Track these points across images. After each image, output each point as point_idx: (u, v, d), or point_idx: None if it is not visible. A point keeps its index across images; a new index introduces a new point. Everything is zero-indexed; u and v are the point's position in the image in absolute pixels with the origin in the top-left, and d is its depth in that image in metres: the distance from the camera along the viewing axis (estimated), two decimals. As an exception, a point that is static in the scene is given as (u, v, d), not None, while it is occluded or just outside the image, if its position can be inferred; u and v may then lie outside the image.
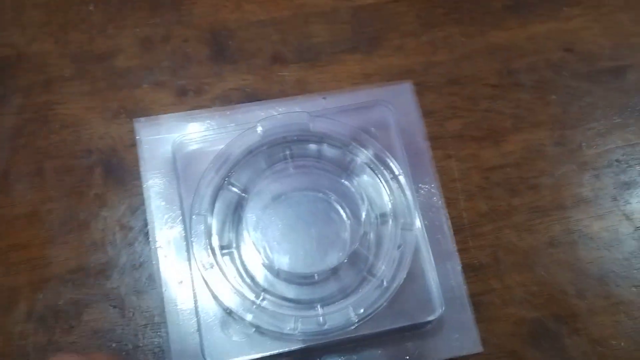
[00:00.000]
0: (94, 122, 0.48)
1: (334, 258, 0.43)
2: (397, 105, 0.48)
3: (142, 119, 0.47)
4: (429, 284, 0.43)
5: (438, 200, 0.46)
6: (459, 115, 0.49)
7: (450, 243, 0.45)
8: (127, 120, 0.48)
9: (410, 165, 0.46)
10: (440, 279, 0.43)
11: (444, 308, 0.42)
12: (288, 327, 0.40)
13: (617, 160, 0.49)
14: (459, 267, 0.44)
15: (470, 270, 0.45)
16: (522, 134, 0.49)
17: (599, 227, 0.47)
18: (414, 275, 0.43)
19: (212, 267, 0.41)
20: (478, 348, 0.43)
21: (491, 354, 0.44)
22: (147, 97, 0.48)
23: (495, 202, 0.47)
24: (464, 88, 0.50)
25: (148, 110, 0.48)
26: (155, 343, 0.43)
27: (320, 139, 0.44)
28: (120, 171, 0.47)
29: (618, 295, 0.45)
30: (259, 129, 0.43)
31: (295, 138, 0.44)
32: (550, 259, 0.46)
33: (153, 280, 0.44)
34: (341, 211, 0.45)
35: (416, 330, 0.43)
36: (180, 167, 0.45)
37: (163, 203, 0.45)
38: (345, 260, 0.43)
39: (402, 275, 0.42)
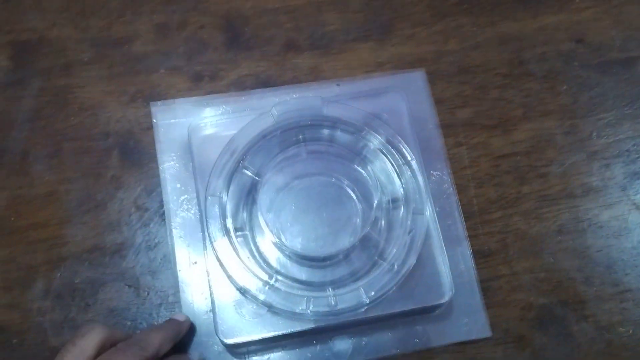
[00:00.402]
0: (112, 106, 0.49)
1: (345, 241, 0.43)
2: (409, 93, 0.49)
3: (159, 102, 0.48)
4: (439, 269, 0.44)
5: (449, 187, 0.47)
6: (469, 104, 0.50)
7: (460, 229, 0.46)
8: (144, 104, 0.48)
9: (421, 152, 0.47)
10: (450, 264, 0.44)
11: (453, 292, 0.43)
12: (300, 307, 0.40)
13: (627, 150, 0.49)
14: (469, 253, 0.45)
15: (479, 256, 0.46)
16: (532, 122, 0.49)
17: (608, 216, 0.47)
18: (425, 260, 0.44)
19: (226, 247, 0.42)
20: (487, 332, 0.44)
21: (499, 339, 0.44)
22: (163, 82, 0.49)
23: (505, 189, 0.48)
24: (475, 77, 0.50)
25: (164, 95, 0.49)
26: (169, 322, 0.44)
27: (333, 124, 0.45)
28: (136, 154, 0.47)
29: (626, 283, 0.46)
30: (273, 113, 0.44)
31: (309, 123, 0.45)
32: (558, 246, 0.46)
33: (168, 260, 0.45)
34: (353, 196, 0.45)
35: (426, 314, 0.44)
36: (196, 150, 0.46)
37: (178, 185, 0.46)
38: (357, 244, 0.44)
39: (413, 259, 0.42)
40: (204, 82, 0.49)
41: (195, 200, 0.45)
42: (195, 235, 0.44)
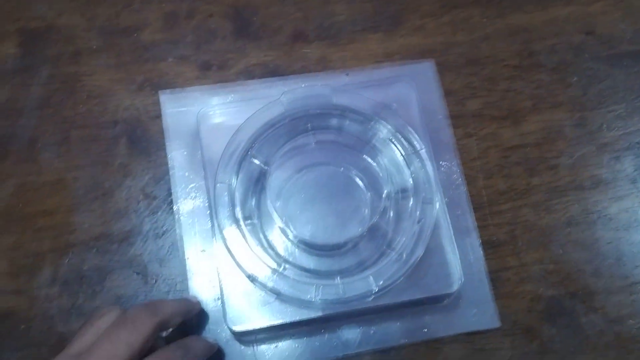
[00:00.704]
0: (120, 94, 0.48)
1: (354, 230, 0.43)
2: (419, 83, 0.48)
3: (167, 91, 0.47)
4: (448, 259, 0.44)
5: (458, 177, 0.47)
6: (478, 95, 0.50)
7: (469, 220, 0.46)
8: (152, 93, 0.48)
9: (431, 142, 0.46)
10: (459, 255, 0.44)
11: (462, 281, 0.43)
12: (308, 295, 0.40)
13: (637, 143, 0.49)
14: (478, 244, 0.45)
15: (488, 247, 0.46)
16: (542, 114, 0.49)
17: (617, 208, 0.47)
18: (434, 250, 0.44)
19: (235, 235, 0.41)
20: (495, 323, 0.44)
21: (508, 330, 0.44)
22: (171, 71, 0.49)
23: (514, 180, 0.47)
24: (484, 68, 0.50)
25: (172, 84, 0.49)
26: (177, 309, 0.44)
27: (342, 113, 0.45)
28: (144, 142, 0.47)
29: (636, 276, 0.45)
30: (283, 101, 0.44)
31: (318, 112, 0.45)
32: (567, 238, 0.46)
33: (176, 248, 0.45)
34: (362, 186, 0.45)
35: (434, 304, 0.44)
36: (204, 138, 0.45)
37: (187, 173, 0.46)
38: (365, 233, 0.44)
39: (422, 249, 0.42)
40: (212, 71, 0.49)
41: (203, 189, 0.45)
42: (204, 223, 0.44)
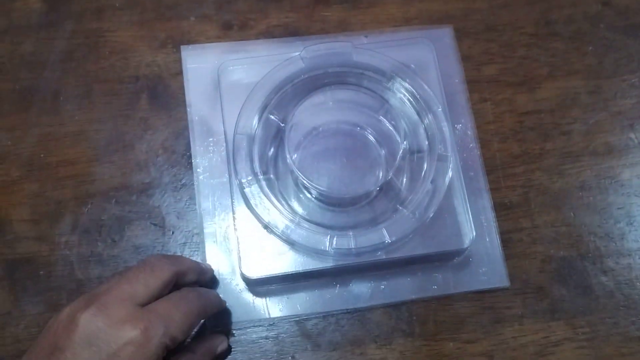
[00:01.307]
0: (142, 51, 0.49)
1: (368, 185, 0.44)
2: (437, 48, 0.49)
3: (189, 46, 0.48)
4: (460, 219, 0.44)
5: (472, 140, 0.47)
6: (495, 61, 0.50)
7: (482, 181, 0.46)
8: (174, 50, 0.49)
9: (447, 105, 0.47)
10: (471, 215, 0.44)
11: (473, 236, 0.43)
12: (322, 245, 0.41)
13: (650, 112, 0.49)
14: (489, 205, 0.46)
15: (501, 208, 0.46)
16: (557, 81, 0.50)
17: (630, 174, 0.48)
18: (446, 210, 0.45)
19: (252, 186, 0.42)
20: (505, 282, 0.44)
21: (518, 289, 0.45)
22: (193, 30, 0.50)
23: (528, 145, 0.48)
24: (502, 35, 0.51)
25: (194, 42, 0.49)
26: (194, 259, 0.44)
27: (361, 72, 0.46)
28: (165, 97, 0.48)
29: (646, 240, 0.46)
30: (303, 55, 0.44)
31: (337, 69, 0.46)
32: (580, 202, 0.47)
33: (193, 202, 0.46)
34: (377, 145, 0.46)
35: (445, 262, 0.45)
36: (224, 93, 0.46)
37: (205, 128, 0.46)
38: (379, 190, 0.44)
39: (435, 207, 0.43)
40: (233, 31, 0.50)
41: (221, 143, 0.46)
42: (221, 177, 0.45)
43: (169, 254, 0.45)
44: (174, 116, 0.48)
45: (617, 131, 0.49)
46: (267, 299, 0.43)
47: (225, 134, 0.45)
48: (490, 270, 0.45)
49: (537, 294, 0.44)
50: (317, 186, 0.43)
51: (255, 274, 0.42)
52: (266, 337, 0.43)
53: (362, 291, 0.44)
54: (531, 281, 0.45)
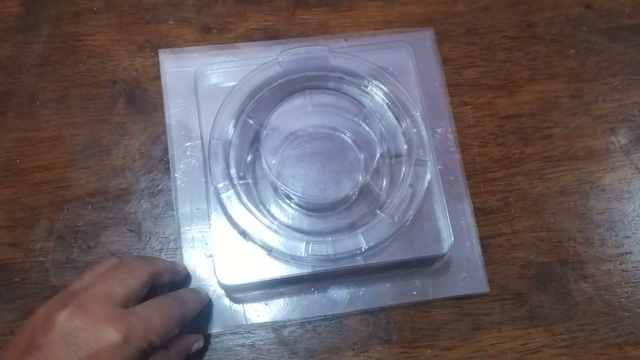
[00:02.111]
0: (120, 54, 0.49)
1: (346, 189, 0.44)
2: (417, 51, 0.49)
3: (167, 50, 0.48)
4: (439, 224, 0.44)
5: (452, 144, 0.47)
6: (476, 64, 0.50)
7: (462, 186, 0.46)
8: (152, 54, 0.49)
9: (427, 109, 0.47)
10: (451, 220, 0.44)
11: (452, 243, 0.43)
12: (299, 251, 0.41)
13: (632, 115, 0.49)
14: (469, 210, 0.45)
15: (481, 213, 0.46)
16: (538, 85, 0.49)
17: (611, 179, 0.47)
18: (425, 214, 0.44)
19: (228, 192, 0.42)
20: (484, 288, 0.44)
21: (497, 295, 0.44)
22: (171, 33, 0.49)
23: (508, 149, 0.48)
24: (483, 38, 0.50)
25: (172, 46, 0.49)
26: (170, 265, 0.44)
27: (339, 75, 0.45)
28: (142, 102, 0.48)
29: (627, 246, 0.46)
30: (280, 60, 0.44)
31: (315, 73, 0.45)
32: (560, 207, 0.46)
33: (170, 207, 0.45)
34: (355, 149, 0.46)
35: (424, 267, 0.44)
36: (201, 97, 0.46)
37: (183, 132, 0.46)
38: (357, 194, 0.44)
39: (413, 210, 0.42)
40: (212, 35, 0.50)
41: (198, 148, 0.45)
42: (198, 182, 0.45)
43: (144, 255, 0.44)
44: (151, 120, 0.47)
45: (599, 135, 0.48)
46: (245, 305, 0.43)
47: (202, 138, 0.45)
48: (470, 275, 0.44)
49: (516, 300, 0.44)
50: (294, 192, 0.42)
51: (231, 280, 0.41)
52: (243, 345, 0.42)
53: (340, 297, 0.43)
54: (510, 287, 0.44)
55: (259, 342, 0.42)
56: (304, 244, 0.41)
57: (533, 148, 0.48)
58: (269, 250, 0.41)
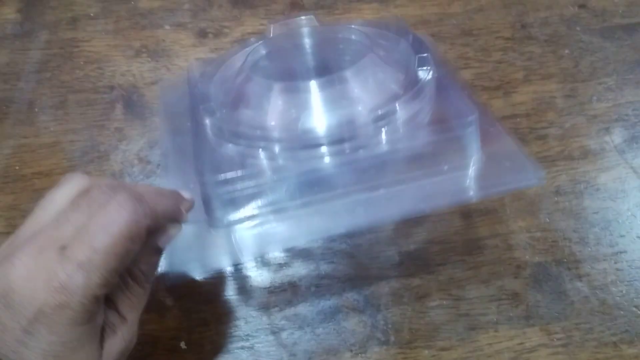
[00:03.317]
0: (117, 60, 0.49)
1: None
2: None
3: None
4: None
5: (447, 146, 0.47)
6: (471, 66, 0.50)
7: (457, 187, 0.46)
8: (149, 59, 0.49)
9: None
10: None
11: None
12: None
13: (626, 115, 0.49)
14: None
15: (476, 214, 0.46)
16: (533, 85, 0.50)
17: (605, 178, 0.48)
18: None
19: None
20: (540, 179, 0.38)
21: (493, 295, 0.44)
22: (168, 38, 0.50)
23: (503, 150, 0.48)
24: (477, 40, 0.51)
25: (169, 50, 0.49)
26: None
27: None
28: (140, 107, 0.48)
29: (622, 245, 0.46)
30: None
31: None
32: (555, 207, 0.47)
33: (168, 211, 0.46)
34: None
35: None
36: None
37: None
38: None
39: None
40: (208, 39, 0.50)
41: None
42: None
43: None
44: (149, 126, 0.48)
45: (593, 135, 0.49)
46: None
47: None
48: (515, 165, 0.36)
49: (512, 300, 0.45)
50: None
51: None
52: (242, 347, 0.43)
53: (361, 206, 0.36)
54: (506, 287, 0.45)
55: (258, 345, 0.43)
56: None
57: (528, 148, 0.48)
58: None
